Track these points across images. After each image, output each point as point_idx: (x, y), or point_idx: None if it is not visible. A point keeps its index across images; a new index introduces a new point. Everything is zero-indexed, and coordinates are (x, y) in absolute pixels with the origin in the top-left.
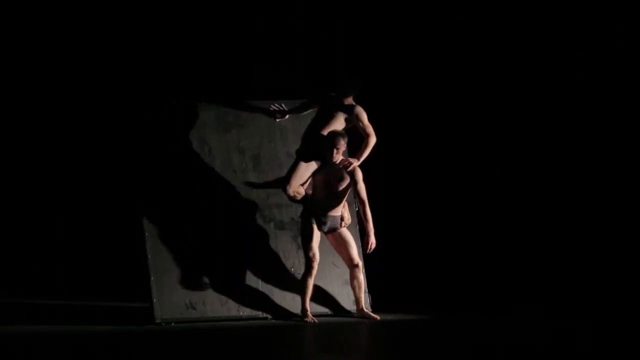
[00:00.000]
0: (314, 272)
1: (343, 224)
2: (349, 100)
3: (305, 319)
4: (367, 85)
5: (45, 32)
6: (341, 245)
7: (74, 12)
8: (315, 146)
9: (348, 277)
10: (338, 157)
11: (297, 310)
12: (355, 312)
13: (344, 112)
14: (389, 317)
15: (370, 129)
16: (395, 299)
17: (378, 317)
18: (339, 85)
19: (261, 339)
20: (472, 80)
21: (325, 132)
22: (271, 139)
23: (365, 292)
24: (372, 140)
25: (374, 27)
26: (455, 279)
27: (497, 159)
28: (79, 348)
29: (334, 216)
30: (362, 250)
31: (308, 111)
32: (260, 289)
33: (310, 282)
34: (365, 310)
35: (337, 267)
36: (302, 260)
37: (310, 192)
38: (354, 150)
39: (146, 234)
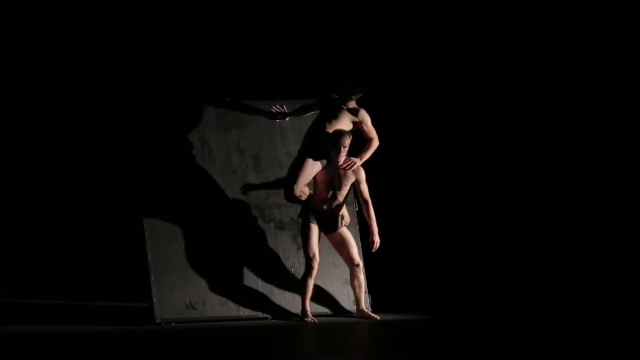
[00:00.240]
0: (314, 272)
1: (344, 222)
2: (353, 103)
3: (305, 319)
4: (367, 85)
5: (46, 33)
6: (342, 245)
7: (74, 12)
8: (320, 145)
9: (348, 277)
10: (342, 157)
11: (297, 310)
12: (355, 312)
13: (349, 114)
14: (389, 317)
15: (374, 133)
16: (395, 299)
17: (378, 317)
18: (345, 88)
19: (261, 339)
20: (472, 80)
21: (330, 132)
22: (271, 139)
23: (365, 292)
24: (375, 143)
25: (374, 27)
26: (455, 279)
27: (497, 159)
28: (79, 348)
29: (336, 215)
30: (367, 249)
31: (309, 114)
32: (260, 289)
33: (311, 282)
34: (365, 310)
35: (337, 267)
36: (302, 260)
37: (311, 191)
38: (355, 151)
39: (146, 234)
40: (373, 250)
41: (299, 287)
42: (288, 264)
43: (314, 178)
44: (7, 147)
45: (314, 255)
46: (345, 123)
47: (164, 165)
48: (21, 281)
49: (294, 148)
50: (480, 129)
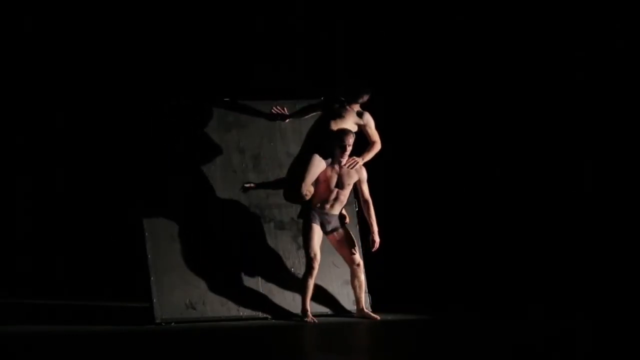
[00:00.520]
0: (315, 272)
1: (345, 222)
2: (357, 106)
3: (305, 319)
4: (367, 85)
5: (46, 32)
6: (343, 244)
7: (75, 12)
8: (324, 145)
9: (348, 277)
10: (347, 156)
11: (297, 310)
12: (355, 312)
13: (354, 115)
14: (389, 317)
15: (377, 137)
16: (395, 299)
17: (378, 317)
18: (352, 88)
19: (261, 339)
20: (471, 80)
21: (334, 131)
22: (271, 139)
23: (365, 292)
24: (378, 146)
25: (374, 28)
26: (455, 279)
27: (497, 159)
28: (79, 348)
29: (336, 215)
30: (367, 249)
31: (309, 115)
32: (260, 289)
33: (311, 282)
34: (365, 310)
35: (337, 267)
36: (302, 260)
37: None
38: (356, 153)
39: (146, 234)
40: (373, 250)
41: (299, 287)
42: (288, 264)
43: (317, 177)
44: (7, 147)
45: (315, 255)
46: (350, 124)
47: (164, 165)
48: (21, 281)
49: (294, 148)
50: (480, 129)
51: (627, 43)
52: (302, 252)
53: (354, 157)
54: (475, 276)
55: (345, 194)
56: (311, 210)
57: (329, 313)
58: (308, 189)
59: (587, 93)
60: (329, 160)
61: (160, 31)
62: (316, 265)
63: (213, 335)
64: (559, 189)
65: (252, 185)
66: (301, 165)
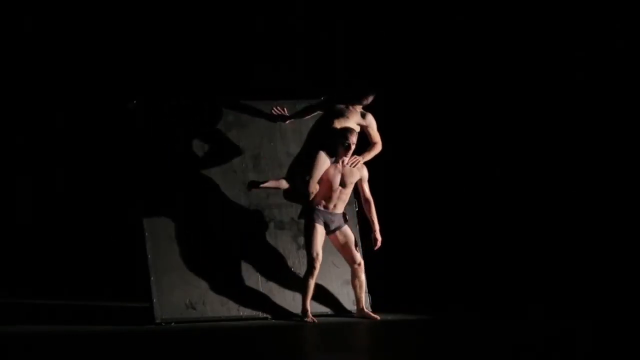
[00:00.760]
0: (316, 272)
1: (346, 219)
2: (359, 107)
3: (305, 319)
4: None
5: (46, 32)
6: (345, 244)
7: (75, 12)
8: (328, 143)
9: (348, 277)
10: (350, 155)
11: (297, 310)
12: (355, 312)
13: (358, 116)
14: (389, 317)
15: (378, 138)
16: (395, 299)
17: (378, 317)
18: (358, 88)
19: (261, 339)
20: (471, 80)
21: (338, 129)
22: (271, 139)
23: (365, 292)
24: (378, 148)
25: (374, 28)
26: (455, 279)
27: (497, 159)
28: (79, 348)
29: (339, 214)
30: (367, 249)
31: (310, 116)
32: (260, 289)
33: (312, 282)
34: (365, 310)
35: (337, 267)
36: (302, 260)
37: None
38: (356, 153)
39: (146, 234)
40: (376, 248)
41: (299, 286)
42: (288, 263)
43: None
44: (7, 147)
45: (317, 255)
46: (352, 124)
47: (164, 165)
48: (21, 281)
49: (294, 148)
50: (480, 129)
51: (627, 43)
52: (302, 252)
53: (355, 156)
54: (475, 276)
55: (348, 192)
56: (314, 209)
57: (329, 313)
58: (315, 187)
59: (587, 93)
60: (333, 158)
61: (161, 31)
62: (318, 265)
63: (213, 335)
64: (559, 189)
65: (265, 183)
66: (307, 163)
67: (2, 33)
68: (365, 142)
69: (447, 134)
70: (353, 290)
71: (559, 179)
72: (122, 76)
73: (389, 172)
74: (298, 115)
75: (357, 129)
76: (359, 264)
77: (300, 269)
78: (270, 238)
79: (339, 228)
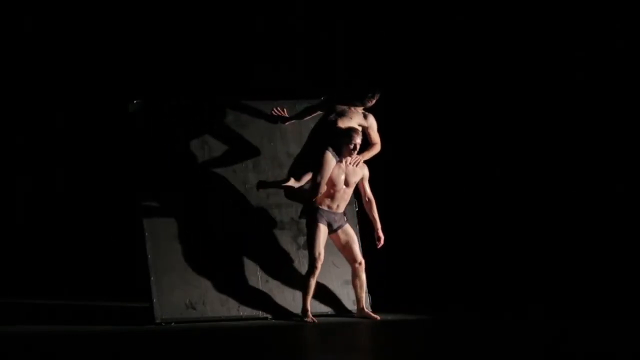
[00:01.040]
0: (318, 272)
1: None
2: (361, 107)
3: (305, 319)
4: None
5: (46, 32)
6: (346, 243)
7: (75, 12)
8: (332, 143)
9: (348, 277)
10: (354, 154)
11: (297, 310)
12: (355, 312)
13: (360, 116)
14: (389, 317)
15: (378, 139)
16: (395, 299)
17: (378, 317)
18: (362, 89)
19: (261, 339)
20: (471, 80)
21: (343, 128)
22: (271, 139)
23: (365, 291)
24: (378, 148)
25: (374, 28)
26: (455, 279)
27: (497, 159)
28: (79, 348)
29: (342, 213)
30: (367, 249)
31: (310, 117)
32: (261, 289)
33: (313, 282)
34: (365, 310)
35: (338, 266)
36: (302, 260)
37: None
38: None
39: (146, 234)
40: (379, 247)
41: (299, 286)
42: (288, 263)
43: None
44: (7, 147)
45: (319, 255)
46: (355, 125)
47: (164, 165)
48: (21, 281)
49: (294, 148)
50: (481, 129)
51: (627, 43)
52: (302, 252)
53: (357, 156)
54: (475, 276)
55: (350, 192)
56: (317, 209)
57: (329, 313)
58: (325, 188)
59: (587, 93)
60: (337, 158)
61: (161, 31)
62: (319, 265)
63: (213, 335)
64: (559, 189)
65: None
66: (314, 164)
67: (2, 33)
68: (365, 143)
69: (447, 134)
70: (353, 290)
71: (559, 179)
72: (122, 76)
73: (389, 172)
74: (298, 116)
75: (360, 129)
76: (360, 263)
77: (301, 269)
78: (270, 238)
79: (340, 227)
